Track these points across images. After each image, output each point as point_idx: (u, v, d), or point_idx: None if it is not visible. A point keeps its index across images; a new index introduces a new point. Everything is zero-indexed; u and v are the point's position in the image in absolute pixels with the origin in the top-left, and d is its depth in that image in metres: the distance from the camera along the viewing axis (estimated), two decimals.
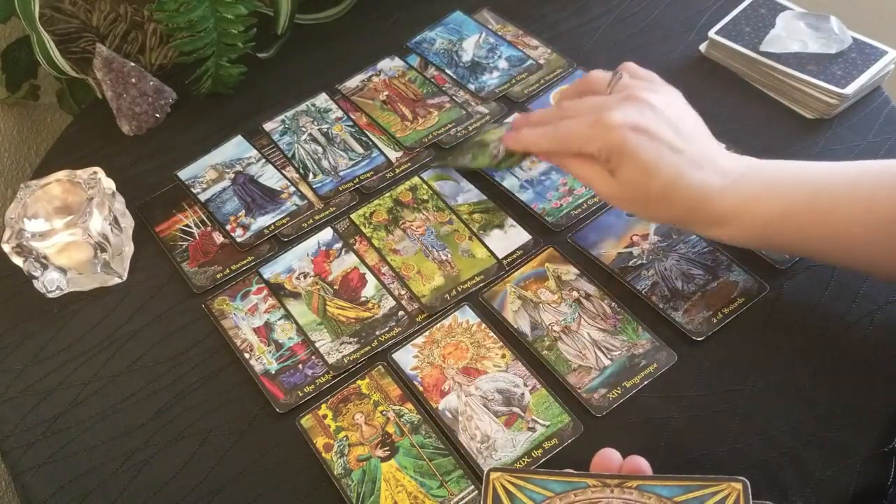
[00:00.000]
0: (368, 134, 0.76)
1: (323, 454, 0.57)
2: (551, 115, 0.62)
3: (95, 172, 0.68)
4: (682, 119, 0.57)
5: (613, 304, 0.61)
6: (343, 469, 0.56)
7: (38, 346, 0.66)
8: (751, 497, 0.42)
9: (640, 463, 0.46)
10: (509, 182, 0.70)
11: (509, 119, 0.74)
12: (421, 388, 0.59)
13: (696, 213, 0.56)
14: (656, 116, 0.55)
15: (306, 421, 0.59)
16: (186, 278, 0.69)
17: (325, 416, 0.59)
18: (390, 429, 0.58)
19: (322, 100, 0.80)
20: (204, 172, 0.76)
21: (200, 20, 0.74)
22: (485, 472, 0.45)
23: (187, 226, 0.73)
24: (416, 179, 0.72)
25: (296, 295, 0.66)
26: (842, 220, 0.53)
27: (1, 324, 0.68)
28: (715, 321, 0.59)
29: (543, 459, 0.55)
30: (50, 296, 0.67)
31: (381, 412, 0.59)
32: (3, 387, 0.64)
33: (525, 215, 0.68)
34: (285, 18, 0.82)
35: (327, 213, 0.71)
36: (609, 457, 0.47)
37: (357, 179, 0.73)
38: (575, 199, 0.68)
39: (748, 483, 0.42)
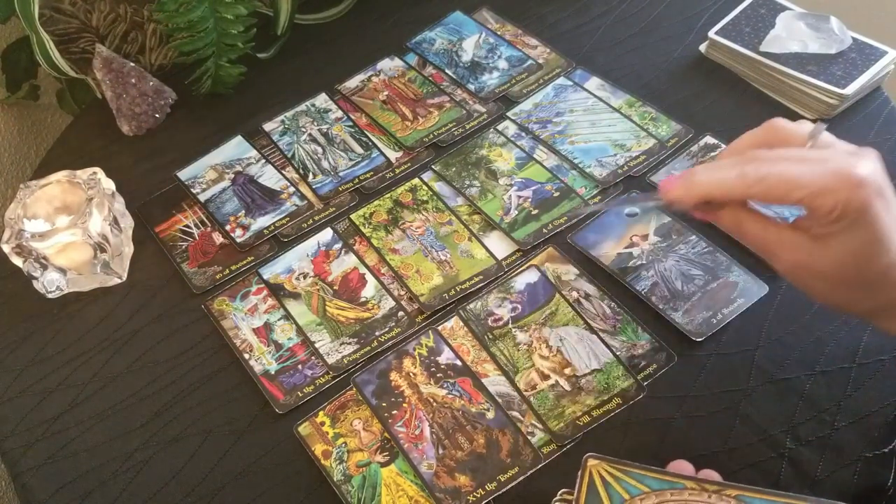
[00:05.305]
0: (368, 134, 0.76)
1: (322, 461, 0.57)
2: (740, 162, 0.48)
3: (95, 173, 0.68)
4: None
5: (613, 304, 0.61)
6: (343, 475, 0.56)
7: (38, 346, 0.66)
8: None
9: (716, 476, 0.44)
10: None
11: None
12: None
13: None
14: (891, 187, 0.45)
15: (304, 429, 0.58)
16: (186, 278, 0.69)
17: (322, 424, 0.58)
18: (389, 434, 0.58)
19: (322, 100, 0.80)
20: (204, 173, 0.76)
21: (200, 20, 0.74)
22: (583, 459, 0.44)
23: (187, 226, 0.73)
24: (416, 180, 0.72)
25: (295, 295, 0.66)
26: None
27: (1, 324, 0.68)
28: (715, 321, 0.59)
29: (543, 463, 0.55)
30: (50, 296, 0.67)
31: None
32: (3, 387, 0.64)
33: None
34: (285, 18, 0.82)
35: (327, 213, 0.71)
36: (683, 466, 0.45)
37: (357, 180, 0.73)
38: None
39: None
